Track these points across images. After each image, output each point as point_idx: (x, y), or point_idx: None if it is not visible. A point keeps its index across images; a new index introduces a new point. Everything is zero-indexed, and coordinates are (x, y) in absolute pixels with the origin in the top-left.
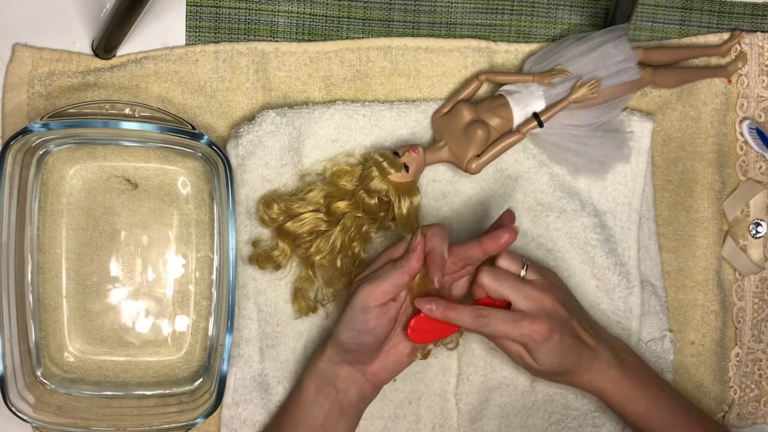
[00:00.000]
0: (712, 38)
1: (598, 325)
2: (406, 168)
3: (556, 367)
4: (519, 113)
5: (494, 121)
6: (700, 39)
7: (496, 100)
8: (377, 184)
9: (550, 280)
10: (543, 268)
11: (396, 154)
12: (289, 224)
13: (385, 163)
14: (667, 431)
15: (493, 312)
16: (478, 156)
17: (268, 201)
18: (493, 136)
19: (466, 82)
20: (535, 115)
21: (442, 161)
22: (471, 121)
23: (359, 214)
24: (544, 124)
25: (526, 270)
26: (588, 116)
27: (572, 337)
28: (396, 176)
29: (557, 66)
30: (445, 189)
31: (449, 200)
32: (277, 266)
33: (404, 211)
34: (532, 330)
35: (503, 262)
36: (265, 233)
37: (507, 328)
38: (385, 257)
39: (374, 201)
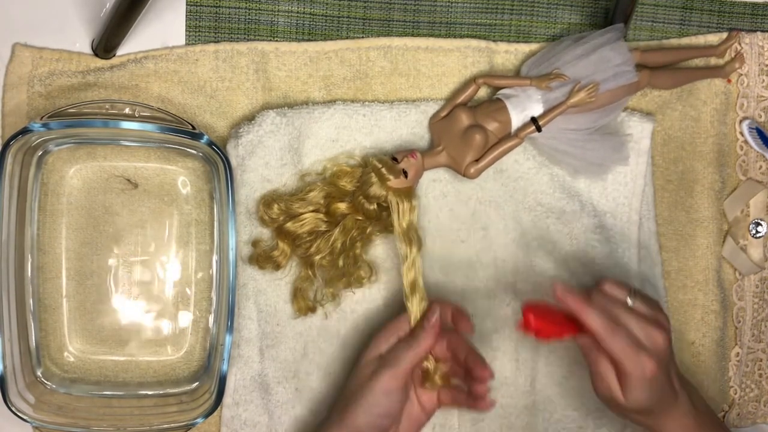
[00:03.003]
0: (712, 38)
1: (679, 372)
2: (405, 174)
3: (641, 406)
4: (517, 117)
5: (492, 126)
6: (700, 39)
7: (494, 104)
8: (376, 190)
9: (659, 316)
10: (649, 299)
11: (395, 159)
12: (289, 224)
13: (384, 170)
14: None
15: (623, 330)
16: (477, 161)
17: (268, 201)
18: (492, 140)
19: (464, 86)
20: (533, 120)
21: (441, 166)
22: (469, 126)
23: (359, 217)
24: (542, 129)
25: (633, 301)
26: (586, 120)
27: (666, 380)
28: (395, 182)
29: (555, 70)
30: (445, 189)
31: (449, 200)
32: (277, 266)
33: (404, 224)
34: (646, 365)
35: (609, 288)
36: (265, 233)
37: (627, 353)
38: (391, 331)
39: (373, 206)
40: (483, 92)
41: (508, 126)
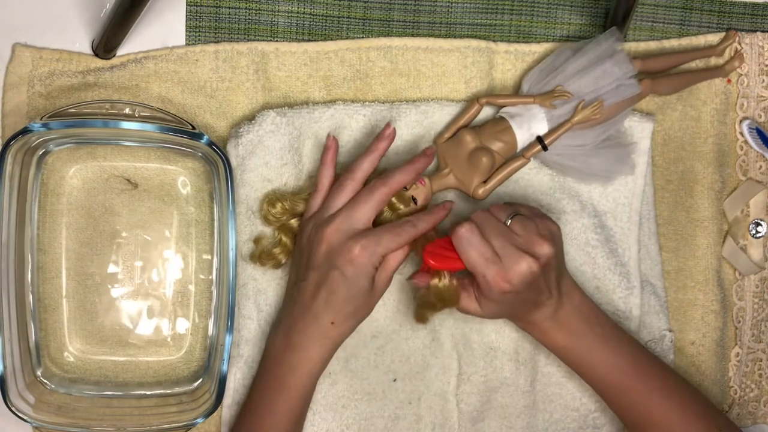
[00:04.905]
0: (712, 38)
1: (566, 277)
2: (414, 201)
3: (493, 316)
4: (522, 137)
5: (498, 146)
6: (700, 39)
7: (499, 124)
8: (387, 218)
9: (534, 243)
10: (531, 224)
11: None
12: (293, 221)
13: (393, 199)
14: (609, 379)
15: (477, 238)
16: (484, 182)
17: (272, 199)
18: (498, 161)
19: (467, 107)
20: (539, 139)
21: (449, 187)
22: (475, 149)
23: None
24: (548, 148)
25: (511, 219)
26: (591, 135)
27: (524, 297)
28: (405, 210)
29: (558, 87)
30: (446, 190)
31: (449, 200)
32: (278, 264)
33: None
34: (494, 279)
35: (494, 209)
36: (266, 232)
37: (477, 260)
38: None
39: None
40: (487, 109)
41: (514, 146)
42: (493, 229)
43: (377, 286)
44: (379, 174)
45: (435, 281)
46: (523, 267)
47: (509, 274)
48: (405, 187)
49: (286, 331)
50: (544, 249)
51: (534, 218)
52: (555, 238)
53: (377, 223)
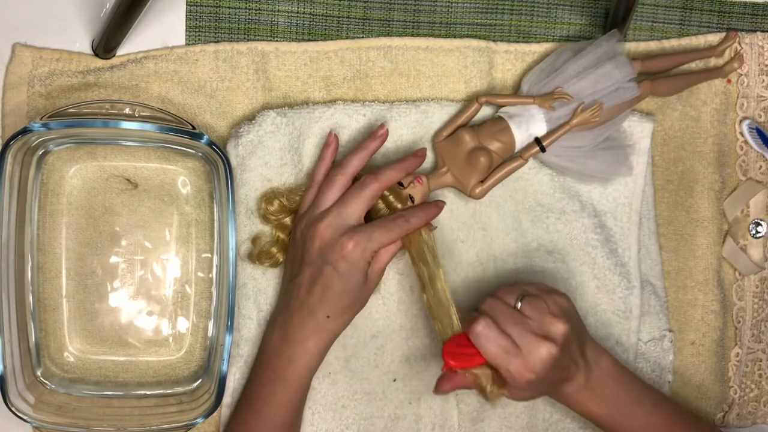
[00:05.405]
0: (712, 38)
1: (589, 344)
2: (411, 199)
3: (526, 399)
4: (520, 137)
5: (496, 146)
6: (700, 39)
7: (497, 124)
8: (384, 216)
9: (547, 324)
10: (541, 303)
11: (400, 184)
12: (288, 219)
13: (391, 197)
14: None
15: (494, 333)
16: (482, 182)
17: (269, 197)
18: (496, 161)
19: (466, 106)
20: (537, 140)
21: (446, 186)
22: (474, 148)
23: None
24: (546, 149)
25: (520, 302)
26: (589, 136)
27: (551, 378)
28: (402, 209)
29: (557, 89)
30: (445, 189)
31: (448, 200)
32: (276, 263)
33: (414, 252)
34: (518, 371)
35: (502, 294)
36: (265, 231)
37: (498, 354)
38: None
39: None
40: (486, 109)
41: (512, 146)
42: (507, 318)
43: (370, 279)
44: (369, 171)
45: (482, 385)
46: (544, 353)
47: (531, 362)
48: (402, 185)
49: (282, 326)
50: (559, 328)
51: (543, 295)
52: (568, 313)
53: (374, 219)
